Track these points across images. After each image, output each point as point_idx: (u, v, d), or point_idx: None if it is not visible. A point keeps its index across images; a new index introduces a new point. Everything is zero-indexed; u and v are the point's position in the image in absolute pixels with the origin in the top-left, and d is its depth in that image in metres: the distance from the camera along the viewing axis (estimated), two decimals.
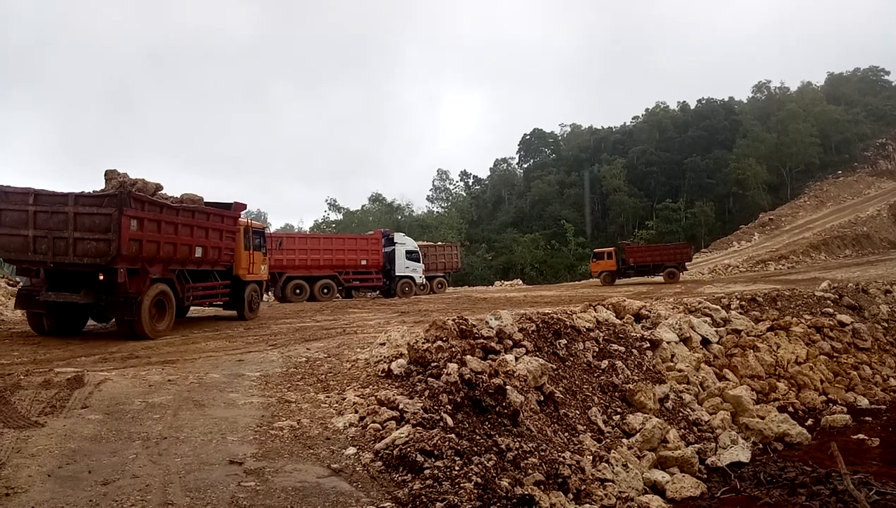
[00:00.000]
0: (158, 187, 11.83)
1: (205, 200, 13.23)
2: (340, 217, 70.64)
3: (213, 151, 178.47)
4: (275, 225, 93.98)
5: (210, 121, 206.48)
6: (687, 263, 36.16)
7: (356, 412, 6.19)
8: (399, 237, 28.17)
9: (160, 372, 7.83)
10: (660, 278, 34.44)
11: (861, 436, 9.83)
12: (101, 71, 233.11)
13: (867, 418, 11.04)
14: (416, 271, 27.78)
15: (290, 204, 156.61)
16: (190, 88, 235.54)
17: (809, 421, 10.59)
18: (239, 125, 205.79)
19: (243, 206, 14.78)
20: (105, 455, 4.75)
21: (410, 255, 27.58)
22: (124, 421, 5.64)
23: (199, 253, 12.56)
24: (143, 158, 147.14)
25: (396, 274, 26.84)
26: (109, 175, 11.34)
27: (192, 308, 14.68)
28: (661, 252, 36.14)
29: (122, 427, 5.46)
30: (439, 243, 35.55)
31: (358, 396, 6.73)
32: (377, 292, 27.81)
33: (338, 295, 25.21)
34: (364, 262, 25.68)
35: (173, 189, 12.56)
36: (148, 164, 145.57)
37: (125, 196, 10.14)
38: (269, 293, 25.41)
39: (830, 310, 14.85)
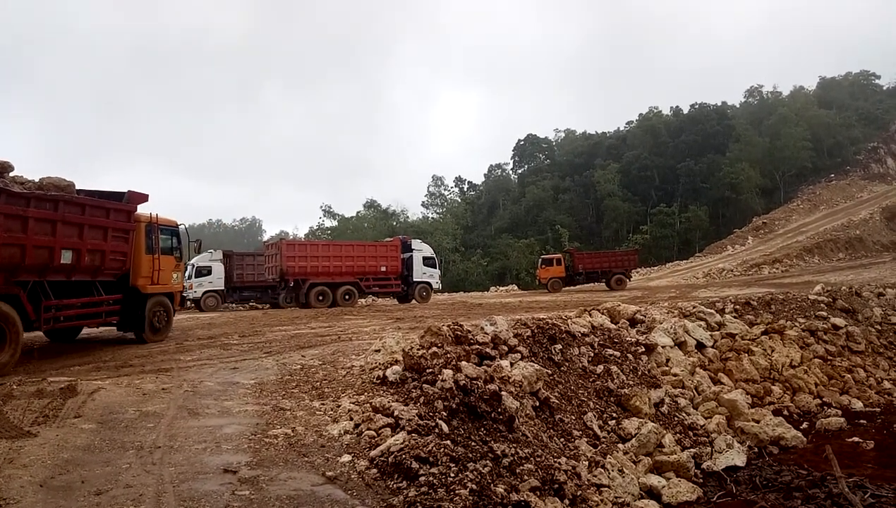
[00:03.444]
0: (6, 166, 8.60)
1: (79, 188, 9.89)
2: (335, 223, 70.60)
3: (204, 155, 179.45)
4: (270, 231, 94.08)
5: (201, 124, 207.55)
6: (633, 270, 36.50)
7: (351, 419, 6.17)
8: (416, 244, 28.50)
9: (154, 380, 7.79)
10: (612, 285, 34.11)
11: (856, 439, 9.86)
12: (90, 72, 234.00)
13: (862, 421, 11.08)
14: (434, 277, 28.19)
15: (283, 209, 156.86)
16: (180, 90, 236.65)
17: (804, 425, 10.62)
18: (231, 128, 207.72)
19: (143, 197, 11.34)
20: (98, 464, 4.72)
21: (427, 261, 27.91)
22: (118, 430, 5.61)
23: (67, 258, 9.40)
24: (132, 160, 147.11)
25: (414, 279, 27.12)
26: None
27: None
28: (609, 258, 36.44)
29: (116, 436, 5.42)
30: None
31: (353, 403, 6.71)
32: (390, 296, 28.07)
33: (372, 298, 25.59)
34: (384, 268, 25.99)
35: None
36: (137, 167, 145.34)
37: None
38: (290, 299, 25.55)
39: (824, 314, 14.91)
